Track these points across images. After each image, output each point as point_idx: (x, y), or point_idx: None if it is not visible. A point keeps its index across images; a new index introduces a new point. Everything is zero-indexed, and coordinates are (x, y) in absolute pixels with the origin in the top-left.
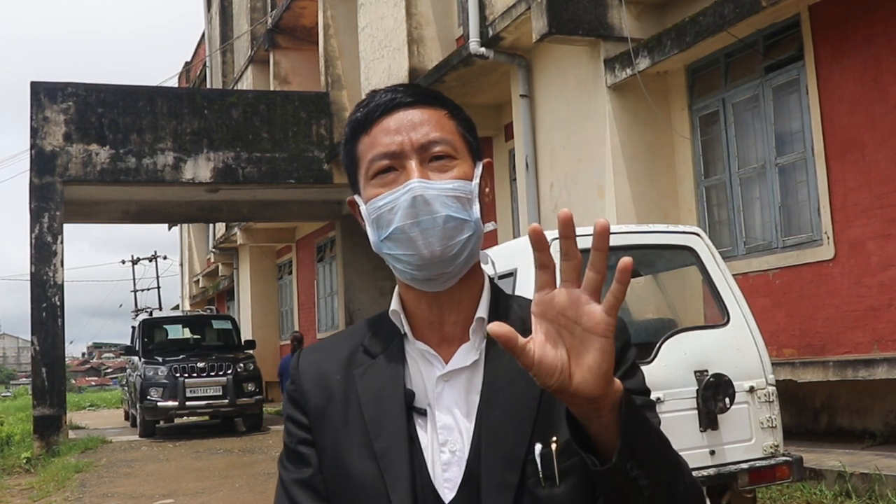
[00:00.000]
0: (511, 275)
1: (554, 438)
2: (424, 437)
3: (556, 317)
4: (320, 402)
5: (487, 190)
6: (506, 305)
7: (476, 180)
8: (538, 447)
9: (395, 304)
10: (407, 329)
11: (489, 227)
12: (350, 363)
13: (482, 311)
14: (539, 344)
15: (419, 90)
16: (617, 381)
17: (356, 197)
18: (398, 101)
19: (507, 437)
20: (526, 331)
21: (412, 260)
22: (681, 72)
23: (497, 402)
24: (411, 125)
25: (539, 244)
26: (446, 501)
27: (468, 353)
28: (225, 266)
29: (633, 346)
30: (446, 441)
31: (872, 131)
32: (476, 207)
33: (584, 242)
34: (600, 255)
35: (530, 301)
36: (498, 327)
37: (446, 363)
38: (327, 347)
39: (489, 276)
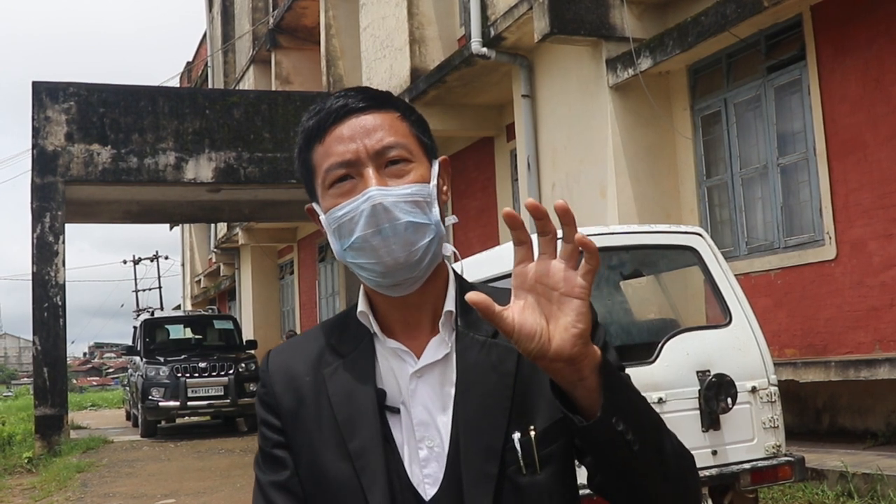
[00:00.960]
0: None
1: (532, 427)
2: (399, 435)
3: (534, 286)
4: (292, 404)
5: (445, 188)
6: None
7: (433, 181)
8: (517, 435)
9: (362, 306)
10: (376, 329)
11: (450, 220)
12: (319, 363)
13: (450, 304)
14: (517, 310)
15: (370, 93)
16: (594, 345)
17: (314, 205)
18: (350, 106)
19: (484, 428)
20: (496, 329)
21: (376, 268)
22: (683, 72)
23: (471, 395)
24: (364, 131)
25: (513, 223)
26: (427, 498)
27: (439, 347)
28: (226, 266)
29: (633, 345)
30: (423, 437)
31: (874, 131)
32: (435, 209)
33: None
34: (570, 229)
35: (495, 288)
36: (475, 295)
37: (418, 358)
38: (294, 348)
39: (452, 269)
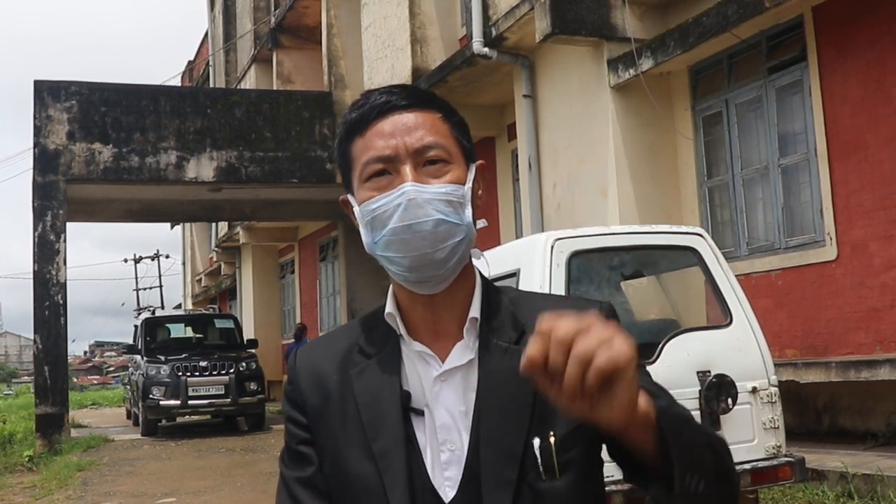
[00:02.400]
0: (514, 275)
1: (551, 433)
2: (422, 437)
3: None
4: (318, 402)
5: (480, 192)
6: (497, 301)
7: (469, 184)
8: (537, 441)
9: (390, 307)
10: (403, 331)
11: (480, 224)
12: (346, 363)
13: (475, 310)
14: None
15: (414, 92)
16: (641, 398)
17: (349, 197)
18: (393, 103)
19: (505, 433)
20: (517, 325)
21: (405, 262)
22: (684, 72)
23: (493, 400)
24: (406, 129)
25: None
26: (447, 500)
27: (463, 352)
28: (227, 265)
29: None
30: (445, 440)
31: (875, 133)
32: (468, 211)
33: (586, 243)
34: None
35: (520, 292)
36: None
37: (442, 362)
38: (322, 346)
39: (480, 273)
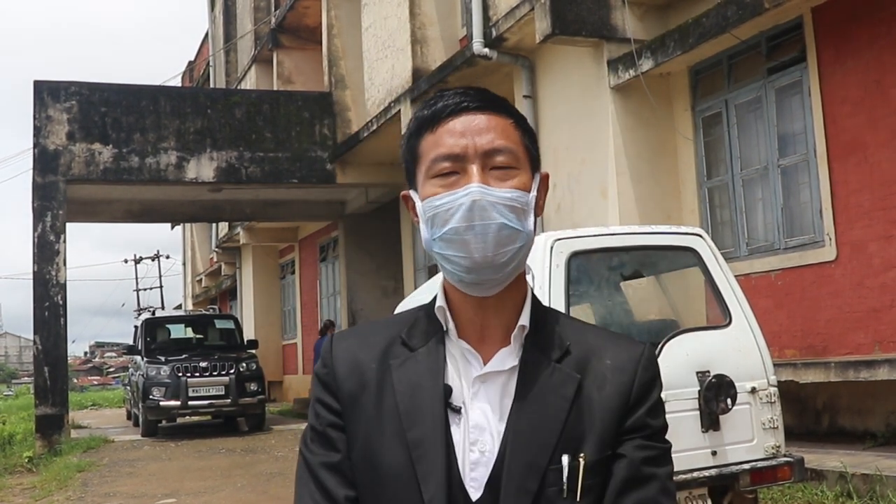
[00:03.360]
0: None
1: (582, 454)
2: (458, 433)
3: None
4: (354, 389)
5: (542, 202)
6: (544, 317)
7: (533, 192)
8: (566, 458)
9: (440, 301)
10: (451, 326)
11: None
12: (387, 354)
13: (524, 319)
14: None
15: (488, 96)
16: None
17: (412, 192)
18: (466, 104)
19: (533, 444)
20: (562, 344)
21: (462, 262)
22: (684, 73)
23: (527, 410)
24: (477, 130)
25: None
26: (474, 500)
27: (507, 358)
28: (227, 265)
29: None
30: (476, 441)
31: (875, 133)
32: (531, 219)
33: (586, 243)
34: None
35: (567, 315)
36: None
37: (485, 364)
38: (363, 335)
39: (531, 288)
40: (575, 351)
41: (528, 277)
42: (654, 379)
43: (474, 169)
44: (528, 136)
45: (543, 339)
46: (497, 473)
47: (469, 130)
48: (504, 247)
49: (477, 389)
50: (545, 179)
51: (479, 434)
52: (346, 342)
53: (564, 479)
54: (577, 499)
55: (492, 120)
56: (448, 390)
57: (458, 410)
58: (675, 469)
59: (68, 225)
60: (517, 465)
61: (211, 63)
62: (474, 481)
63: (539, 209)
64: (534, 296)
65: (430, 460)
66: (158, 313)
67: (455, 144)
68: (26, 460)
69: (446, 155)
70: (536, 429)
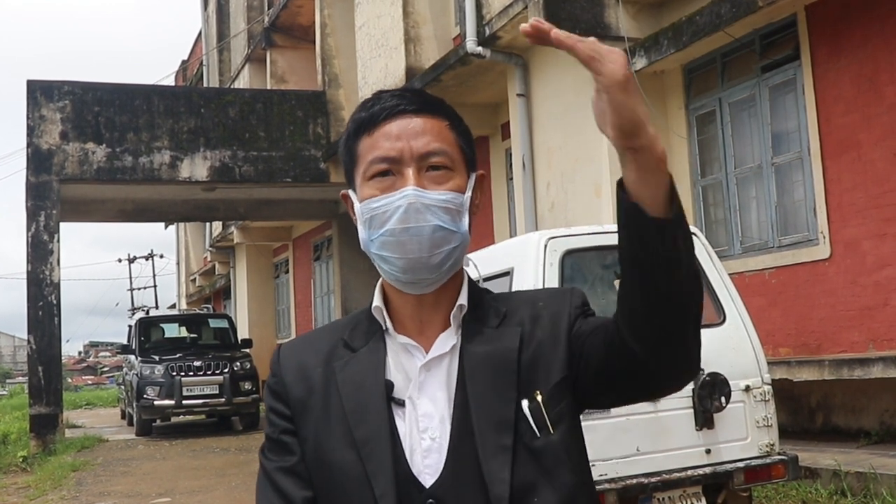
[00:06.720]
0: (508, 273)
1: (537, 391)
2: (402, 426)
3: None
4: (302, 394)
5: (478, 202)
6: (480, 297)
7: (468, 192)
8: (525, 402)
9: (377, 301)
10: (389, 324)
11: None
12: (331, 357)
13: (462, 298)
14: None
15: (424, 98)
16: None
17: (350, 192)
18: (403, 107)
19: (494, 403)
20: (498, 313)
21: (399, 263)
22: (677, 71)
23: (479, 375)
24: (413, 133)
25: (539, 35)
26: (426, 486)
27: (447, 340)
28: (221, 265)
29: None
30: (427, 428)
31: (868, 131)
32: (465, 219)
33: (579, 241)
34: (566, 48)
35: (504, 292)
36: (535, 21)
37: (427, 353)
38: (307, 342)
39: (467, 274)
40: (511, 314)
41: (470, 268)
42: (584, 299)
43: (410, 172)
44: (464, 138)
45: (481, 313)
46: (453, 456)
47: (405, 133)
48: (439, 248)
49: (423, 379)
50: (481, 179)
51: (428, 422)
52: (291, 350)
53: (531, 421)
54: (552, 431)
55: (428, 122)
56: (390, 385)
57: (401, 403)
58: (670, 467)
59: (62, 224)
60: (486, 427)
61: (204, 62)
62: (429, 468)
63: (475, 208)
64: (470, 280)
65: (377, 457)
66: (152, 313)
67: (391, 148)
68: (21, 460)
69: (382, 157)
70: (494, 388)
